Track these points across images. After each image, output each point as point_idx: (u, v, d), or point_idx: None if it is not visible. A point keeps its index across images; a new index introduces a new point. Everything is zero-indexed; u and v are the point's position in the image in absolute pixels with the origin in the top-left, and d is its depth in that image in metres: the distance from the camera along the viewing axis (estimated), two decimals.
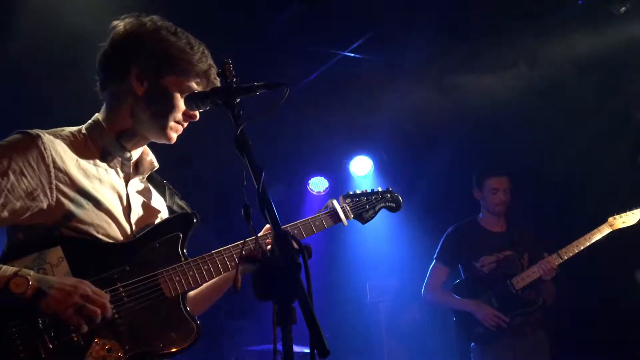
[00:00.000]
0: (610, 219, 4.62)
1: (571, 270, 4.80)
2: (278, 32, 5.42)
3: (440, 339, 6.07)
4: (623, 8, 4.83)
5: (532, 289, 4.76)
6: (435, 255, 5.13)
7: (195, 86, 2.19)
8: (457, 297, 4.92)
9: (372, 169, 7.39)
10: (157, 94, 2.17)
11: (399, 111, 6.49)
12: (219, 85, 2.00)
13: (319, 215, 2.56)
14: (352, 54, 6.00)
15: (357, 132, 7.10)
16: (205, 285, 2.33)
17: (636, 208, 4.62)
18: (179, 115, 2.21)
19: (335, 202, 2.64)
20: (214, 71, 2.21)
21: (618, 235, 4.62)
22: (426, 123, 6.55)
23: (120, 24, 2.21)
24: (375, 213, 2.77)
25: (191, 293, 2.33)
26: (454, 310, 4.95)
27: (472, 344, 4.88)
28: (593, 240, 4.60)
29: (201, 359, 5.86)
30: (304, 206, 7.41)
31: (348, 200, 2.69)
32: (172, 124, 2.21)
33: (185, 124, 2.27)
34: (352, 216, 2.68)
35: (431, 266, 5.13)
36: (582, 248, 4.60)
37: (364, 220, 2.73)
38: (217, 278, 2.33)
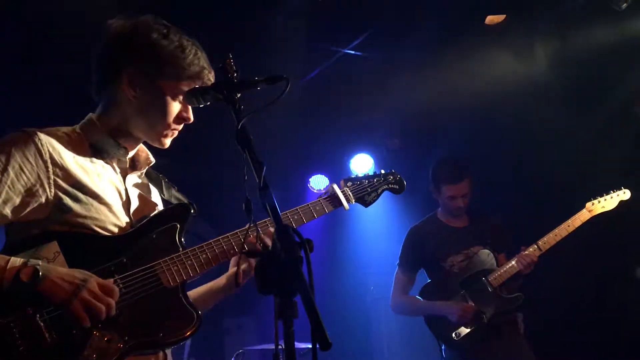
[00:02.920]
0: (589, 204, 4.37)
1: (555, 264, 4.61)
2: (278, 30, 5.41)
3: None
4: (624, 4, 4.82)
5: (511, 286, 4.35)
6: (397, 262, 4.70)
7: (187, 90, 2.13)
8: (425, 301, 4.45)
9: (372, 167, 7.38)
10: (149, 99, 2.16)
11: (399, 108, 6.48)
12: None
13: (320, 200, 2.51)
14: (353, 52, 5.99)
15: (358, 130, 7.09)
16: (203, 289, 2.35)
17: (614, 191, 4.41)
18: (171, 121, 2.20)
19: (335, 186, 2.59)
20: (206, 72, 2.19)
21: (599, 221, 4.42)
22: (427, 119, 6.53)
23: (112, 26, 2.18)
24: (378, 196, 2.70)
25: (190, 294, 2.31)
26: (424, 316, 4.46)
27: (443, 346, 4.40)
28: (573, 228, 4.30)
29: (202, 356, 5.86)
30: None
31: (349, 184, 2.64)
32: (164, 129, 2.21)
33: (180, 127, 2.26)
34: (353, 200, 2.62)
35: (394, 274, 4.69)
36: (562, 237, 4.28)
37: (366, 204, 2.66)
38: (215, 284, 2.36)
